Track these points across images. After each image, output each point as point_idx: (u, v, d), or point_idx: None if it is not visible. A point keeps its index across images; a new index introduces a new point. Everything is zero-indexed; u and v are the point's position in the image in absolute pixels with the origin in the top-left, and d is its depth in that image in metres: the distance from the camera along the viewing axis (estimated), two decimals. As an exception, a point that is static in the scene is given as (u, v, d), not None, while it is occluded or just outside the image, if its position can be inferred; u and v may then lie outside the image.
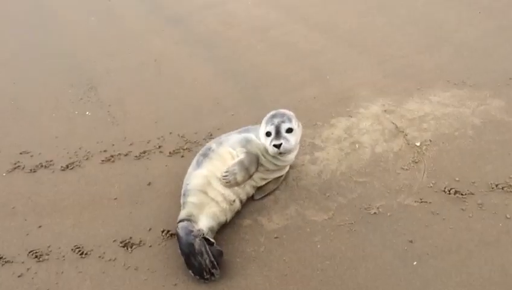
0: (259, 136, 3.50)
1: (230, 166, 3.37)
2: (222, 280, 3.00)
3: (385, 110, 4.37)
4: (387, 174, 3.68)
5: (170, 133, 4.42)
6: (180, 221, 3.14)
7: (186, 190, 3.35)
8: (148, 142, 4.33)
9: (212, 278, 2.96)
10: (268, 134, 3.40)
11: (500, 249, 3.01)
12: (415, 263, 3.00)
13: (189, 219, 3.14)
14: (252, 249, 3.20)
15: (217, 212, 3.26)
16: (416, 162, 3.75)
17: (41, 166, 4.20)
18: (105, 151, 4.29)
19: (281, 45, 5.89)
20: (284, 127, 3.37)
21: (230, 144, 3.53)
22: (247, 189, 3.48)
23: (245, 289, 2.95)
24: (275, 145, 3.31)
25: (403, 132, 4.07)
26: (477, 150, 3.79)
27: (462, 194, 3.41)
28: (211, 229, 3.20)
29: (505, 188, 3.41)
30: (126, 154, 4.22)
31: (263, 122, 3.50)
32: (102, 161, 4.17)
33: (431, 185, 3.53)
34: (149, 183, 3.86)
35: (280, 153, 3.36)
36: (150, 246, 3.31)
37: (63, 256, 3.29)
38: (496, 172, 3.56)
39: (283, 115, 3.45)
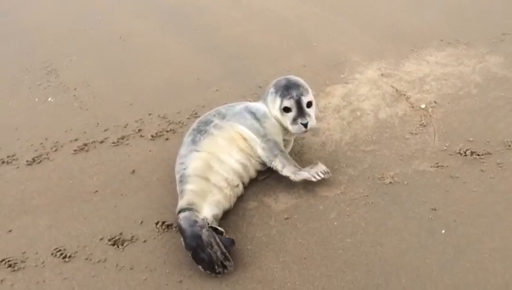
0: (270, 109, 3.11)
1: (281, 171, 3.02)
2: (235, 272, 2.61)
3: (382, 74, 4.08)
4: (396, 141, 3.39)
5: (149, 114, 3.96)
6: (181, 211, 2.72)
7: (183, 175, 2.91)
8: (125, 127, 3.85)
9: (225, 271, 2.57)
10: (286, 110, 3.02)
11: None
12: (443, 231, 2.73)
13: (190, 208, 2.73)
14: (262, 234, 2.84)
15: (221, 200, 2.86)
16: (424, 126, 3.49)
17: (3, 162, 3.65)
18: (76, 140, 3.78)
19: (260, 13, 5.49)
20: (305, 100, 3.01)
21: (237, 119, 3.10)
22: (251, 172, 3.10)
23: (262, 280, 2.59)
24: (302, 124, 2.96)
25: (405, 95, 3.80)
26: (485, 109, 3.57)
27: (478, 155, 3.18)
28: (215, 218, 2.80)
29: (524, 145, 3.20)
30: (102, 142, 3.73)
31: (273, 93, 3.09)
32: (75, 150, 3.66)
33: (444, 148, 3.28)
34: (133, 172, 3.40)
35: (306, 131, 3.01)
36: (145, 241, 2.88)
37: (42, 262, 2.80)
38: (509, 129, 3.35)
39: (298, 85, 3.06)
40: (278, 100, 3.05)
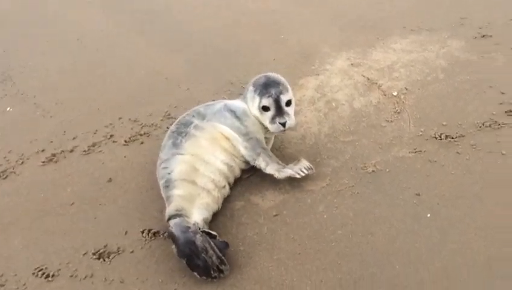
0: (249, 107, 3.06)
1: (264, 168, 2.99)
2: (230, 274, 2.56)
3: (352, 64, 4.12)
4: (373, 129, 3.44)
5: (119, 118, 3.80)
6: (170, 218, 2.63)
7: (168, 180, 2.81)
8: (95, 133, 3.67)
9: (221, 275, 2.52)
10: (265, 108, 2.97)
11: (506, 187, 2.91)
12: (428, 215, 2.80)
13: (180, 214, 2.64)
14: (253, 233, 2.80)
15: (210, 202, 2.80)
16: (398, 113, 3.56)
17: (-36, 180, 3.39)
18: (43, 150, 3.56)
19: (224, 7, 5.37)
20: (284, 99, 2.96)
21: (217, 118, 3.03)
22: (236, 171, 3.05)
23: (259, 280, 2.55)
24: (281, 123, 2.93)
25: (376, 83, 3.86)
26: (453, 92, 3.69)
27: (453, 138, 3.28)
28: (205, 221, 2.74)
29: (492, 126, 3.33)
30: (71, 151, 3.54)
31: (252, 91, 3.04)
32: (43, 162, 3.45)
33: (420, 133, 3.36)
34: (109, 180, 3.26)
35: (284, 130, 2.97)
36: (132, 252, 2.76)
37: (24, 284, 2.63)
38: (478, 111, 3.48)
39: (278, 83, 3.01)
40: (257, 99, 3.00)
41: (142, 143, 3.53)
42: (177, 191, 2.75)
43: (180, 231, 2.53)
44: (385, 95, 3.73)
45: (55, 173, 3.36)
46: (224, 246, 2.59)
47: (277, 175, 2.95)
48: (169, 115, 3.76)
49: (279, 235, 2.78)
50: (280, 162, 3.01)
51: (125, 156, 3.43)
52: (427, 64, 4.01)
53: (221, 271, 2.49)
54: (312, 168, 3.00)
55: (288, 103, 3.00)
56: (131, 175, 3.27)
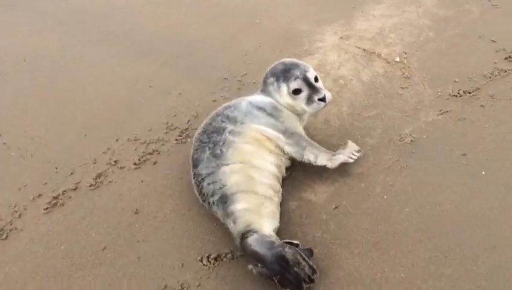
0: (277, 99, 2.80)
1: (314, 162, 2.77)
2: (318, 281, 2.35)
3: (341, 38, 4.00)
4: (392, 99, 3.37)
5: (117, 140, 3.33)
6: (245, 237, 2.34)
7: (223, 196, 2.50)
8: (94, 163, 3.18)
9: (311, 284, 2.29)
10: (297, 92, 2.74)
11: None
12: (483, 172, 2.80)
13: (252, 230, 2.37)
14: (321, 232, 2.59)
15: (275, 209, 2.55)
16: (408, 78, 3.52)
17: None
18: (39, 196, 3.01)
19: (184, 1, 4.92)
20: (311, 76, 2.77)
21: (251, 119, 2.75)
22: (283, 171, 2.82)
23: (350, 279, 2.37)
24: (320, 100, 2.72)
25: (374, 52, 3.78)
26: (450, 48, 3.73)
27: (470, 92, 3.32)
28: (275, 231, 2.48)
29: (500, 74, 3.42)
30: (75, 188, 3.03)
31: (274, 82, 2.80)
32: (46, 209, 2.92)
33: (439, 94, 3.35)
34: (136, 212, 2.84)
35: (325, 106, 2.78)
36: (199, 285, 2.41)
37: None
38: (480, 62, 3.55)
39: (297, 64, 2.81)
40: (284, 86, 2.78)
41: (155, 163, 3.13)
42: (241, 205, 2.46)
43: (265, 247, 2.26)
44: (388, 63, 3.67)
45: (66, 219, 2.85)
46: (309, 254, 2.36)
47: (329, 165, 2.75)
48: (172, 125, 3.37)
49: (348, 227, 2.61)
50: (327, 150, 2.82)
51: (142, 181, 3.02)
52: (413, 25, 4.01)
53: (312, 280, 2.26)
54: (360, 150, 2.85)
55: (316, 79, 2.83)
56: (160, 201, 2.88)
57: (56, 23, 4.76)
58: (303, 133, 2.87)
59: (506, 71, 3.43)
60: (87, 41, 4.41)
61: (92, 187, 3.02)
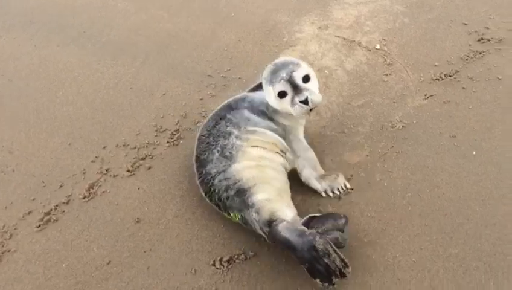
0: (269, 101, 2.71)
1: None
2: (359, 276, 2.38)
3: (320, 28, 4.00)
4: (378, 86, 3.42)
5: (104, 148, 3.19)
6: (274, 225, 2.34)
7: (240, 190, 2.48)
8: (84, 173, 3.04)
9: (343, 279, 2.27)
10: (281, 94, 2.59)
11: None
12: (474, 152, 2.92)
13: (278, 218, 2.38)
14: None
15: (290, 201, 2.59)
16: (391, 64, 3.58)
17: None
18: (29, 213, 2.84)
19: (155, 4, 4.72)
20: (298, 76, 2.58)
21: (252, 124, 2.72)
22: (290, 167, 2.84)
23: (363, 267, 2.41)
24: (302, 102, 2.53)
25: (354, 41, 3.82)
26: (426, 33, 3.82)
27: (451, 76, 3.43)
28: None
29: (476, 56, 3.54)
30: (67, 202, 2.88)
31: (264, 85, 2.70)
32: (38, 226, 2.76)
33: (421, 79, 3.44)
34: (137, 221, 2.74)
35: (310, 110, 2.58)
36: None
37: None
38: (456, 45, 3.67)
39: (286, 64, 2.63)
40: (270, 89, 2.63)
41: (149, 168, 3.03)
42: (261, 196, 2.46)
43: (296, 235, 2.26)
44: (369, 51, 3.71)
45: (62, 235, 2.71)
46: (345, 222, 2.40)
47: (318, 187, 2.79)
48: (161, 128, 3.27)
49: (355, 217, 2.65)
50: (318, 167, 2.82)
51: (139, 188, 2.92)
52: (388, 12, 4.08)
53: (343, 275, 2.27)
54: (351, 188, 2.82)
55: (306, 79, 2.61)
56: (160, 207, 2.80)
57: (26, 22, 4.45)
58: (300, 137, 2.86)
59: (480, 53, 3.57)
60: (61, 40, 4.15)
61: (86, 199, 2.89)
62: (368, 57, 3.67)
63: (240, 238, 2.60)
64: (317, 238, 2.23)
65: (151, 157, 3.10)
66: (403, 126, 3.12)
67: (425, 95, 3.31)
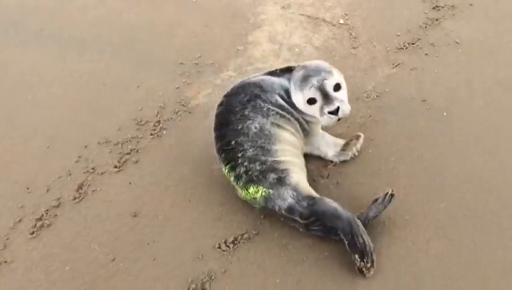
0: (296, 104, 2.73)
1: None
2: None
3: (283, 7, 4.06)
4: (348, 60, 3.56)
5: (86, 147, 3.11)
6: (317, 199, 2.50)
7: (276, 168, 2.57)
8: (70, 174, 2.96)
9: (367, 273, 2.37)
10: (311, 101, 2.62)
11: (482, 61, 3.42)
12: (445, 114, 3.13)
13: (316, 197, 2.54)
14: (324, 195, 2.72)
15: None
16: (356, 37, 3.73)
17: None
18: (20, 221, 2.75)
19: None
20: (330, 84, 2.60)
21: (287, 111, 2.75)
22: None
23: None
24: (330, 113, 2.56)
25: (318, 18, 3.92)
26: (384, 5, 4.00)
27: (413, 44, 3.63)
28: None
29: (433, 23, 3.76)
30: (57, 206, 2.81)
31: (294, 90, 2.70)
32: (32, 233, 2.69)
33: (387, 49, 3.61)
34: (135, 215, 2.73)
35: (338, 119, 2.63)
36: (225, 272, 2.45)
37: None
38: (414, 14, 3.87)
39: (318, 70, 2.64)
40: (299, 95, 2.67)
41: (137, 162, 3.01)
42: (297, 177, 2.60)
43: (341, 208, 2.46)
44: (334, 26, 3.84)
45: (59, 238, 2.66)
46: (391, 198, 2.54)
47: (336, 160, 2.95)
48: (141, 121, 3.24)
49: (346, 186, 2.79)
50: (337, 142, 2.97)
51: (130, 183, 2.90)
52: (345, -14, 4.21)
53: (371, 265, 2.39)
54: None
55: (337, 88, 2.64)
56: (155, 199, 2.81)
57: None
58: (319, 130, 2.96)
59: (437, 20, 3.78)
60: (19, 41, 3.95)
61: (77, 200, 2.84)
62: (334, 32, 3.79)
63: (241, 219, 2.67)
64: (352, 216, 2.46)
65: (137, 151, 3.08)
66: (376, 96, 3.28)
67: (393, 64, 3.49)
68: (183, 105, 3.32)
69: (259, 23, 3.94)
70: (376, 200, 2.57)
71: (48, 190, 2.91)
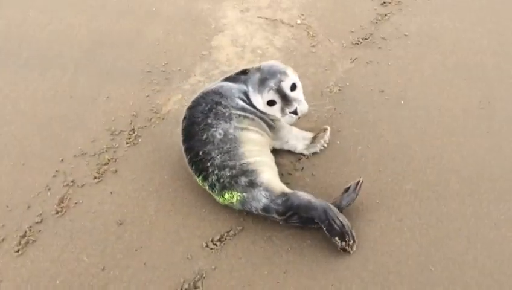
0: (256, 105, 2.88)
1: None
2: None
3: (242, 11, 4.20)
4: (309, 58, 3.75)
5: (62, 160, 3.13)
6: (289, 194, 2.64)
7: (247, 170, 2.68)
8: (49, 189, 2.97)
9: (350, 250, 2.57)
10: (271, 103, 2.80)
11: (434, 53, 3.70)
12: (402, 102, 3.39)
13: (289, 192, 2.68)
14: (300, 187, 2.90)
15: None
16: (314, 36, 3.93)
17: None
18: (3, 240, 2.74)
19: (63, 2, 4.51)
20: (286, 86, 2.78)
21: (250, 111, 2.88)
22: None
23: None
24: (292, 112, 2.77)
25: (277, 19, 4.09)
26: (336, 3, 4.23)
27: (367, 39, 3.88)
28: None
29: (382, 19, 4.03)
30: (40, 221, 2.82)
31: (252, 92, 2.86)
32: (17, 251, 2.69)
33: (344, 45, 3.84)
34: (120, 223, 2.80)
35: (299, 117, 2.84)
36: (215, 269, 2.58)
37: None
38: (365, 11, 4.13)
39: (274, 73, 2.81)
40: (259, 97, 2.84)
41: (116, 171, 3.05)
42: (267, 175, 2.72)
43: (313, 198, 2.61)
44: (292, 26, 4.02)
45: (46, 253, 2.68)
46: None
47: (306, 152, 3.13)
48: (115, 131, 3.28)
49: (320, 177, 2.97)
50: (305, 135, 3.14)
51: (111, 192, 2.95)
52: (297, -13, 4.41)
53: (354, 239, 2.59)
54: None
55: (293, 87, 2.82)
56: (139, 206, 2.87)
57: None
58: (283, 124, 3.04)
59: (386, 15, 4.06)
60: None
61: (60, 214, 2.86)
62: (292, 32, 3.98)
63: (225, 217, 2.79)
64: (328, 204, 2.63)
65: (115, 161, 3.13)
66: (339, 89, 3.49)
67: (350, 59, 3.71)
68: (155, 112, 3.40)
69: (220, 27, 4.07)
70: (348, 189, 2.77)
71: (28, 207, 2.91)
